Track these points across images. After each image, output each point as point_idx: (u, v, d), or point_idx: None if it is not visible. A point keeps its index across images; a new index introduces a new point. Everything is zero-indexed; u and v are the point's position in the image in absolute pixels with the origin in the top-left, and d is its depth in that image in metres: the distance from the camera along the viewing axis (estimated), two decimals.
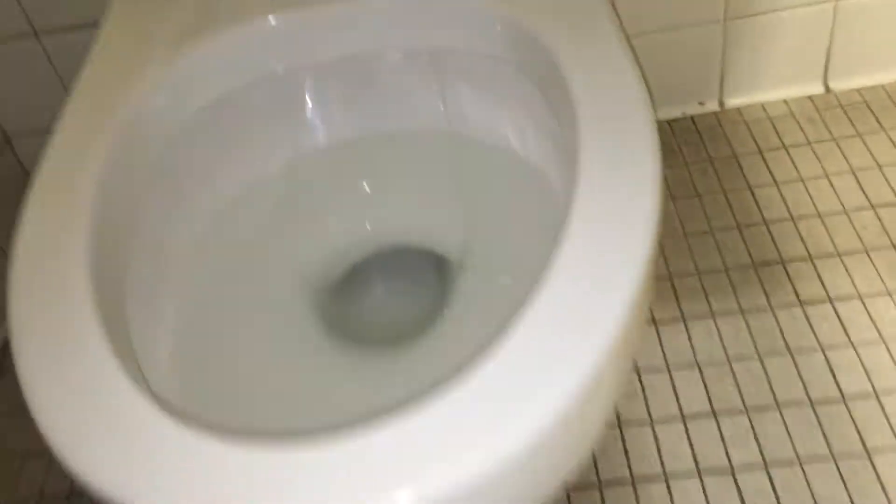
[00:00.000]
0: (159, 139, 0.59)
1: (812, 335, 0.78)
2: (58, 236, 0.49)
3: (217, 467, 0.36)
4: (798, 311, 0.80)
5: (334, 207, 0.66)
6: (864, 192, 0.89)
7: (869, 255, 0.83)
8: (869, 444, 0.70)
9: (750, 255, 0.86)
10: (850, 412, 0.73)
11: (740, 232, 0.88)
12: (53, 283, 0.46)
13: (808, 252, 0.85)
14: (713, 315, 0.81)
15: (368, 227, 0.66)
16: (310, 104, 0.66)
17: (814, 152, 0.94)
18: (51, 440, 0.38)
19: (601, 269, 0.41)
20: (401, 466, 0.35)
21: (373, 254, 0.66)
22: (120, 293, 0.49)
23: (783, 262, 0.84)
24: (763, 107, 1.00)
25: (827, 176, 0.91)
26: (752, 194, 0.91)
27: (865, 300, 0.80)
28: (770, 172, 0.93)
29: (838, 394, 0.74)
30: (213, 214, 0.63)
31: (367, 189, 0.67)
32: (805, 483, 0.69)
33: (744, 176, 0.93)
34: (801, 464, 0.70)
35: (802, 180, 0.91)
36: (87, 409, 0.39)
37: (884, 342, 0.76)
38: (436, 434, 0.36)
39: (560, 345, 0.38)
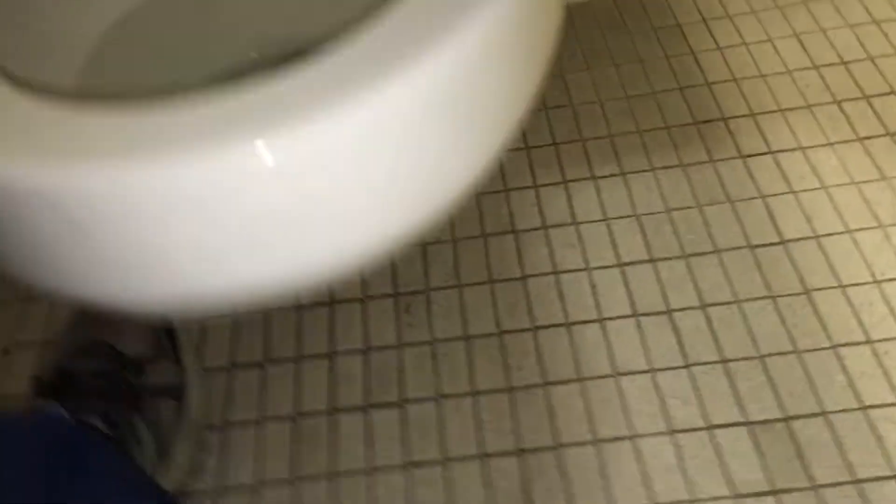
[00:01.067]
0: None
1: (752, 185, 0.76)
2: None
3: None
4: (739, 162, 0.78)
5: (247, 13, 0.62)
6: (807, 54, 0.87)
7: (811, 111, 0.81)
8: (808, 284, 0.69)
9: (692, 114, 0.83)
10: (788, 255, 0.71)
11: (682, 93, 0.85)
12: None
13: (750, 109, 0.83)
14: (653, 170, 0.79)
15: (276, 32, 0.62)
16: None
17: (758, 19, 0.92)
18: None
19: None
20: None
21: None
22: None
23: (725, 120, 0.82)
24: None
25: (770, 40, 0.89)
26: (696, 59, 0.89)
27: (806, 151, 0.78)
28: (714, 39, 0.90)
29: (777, 238, 0.72)
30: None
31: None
32: (743, 320, 0.68)
33: (687, 43, 0.91)
34: (739, 303, 0.69)
35: (746, 44, 0.89)
36: None
37: (824, 189, 0.75)
38: None
39: None
